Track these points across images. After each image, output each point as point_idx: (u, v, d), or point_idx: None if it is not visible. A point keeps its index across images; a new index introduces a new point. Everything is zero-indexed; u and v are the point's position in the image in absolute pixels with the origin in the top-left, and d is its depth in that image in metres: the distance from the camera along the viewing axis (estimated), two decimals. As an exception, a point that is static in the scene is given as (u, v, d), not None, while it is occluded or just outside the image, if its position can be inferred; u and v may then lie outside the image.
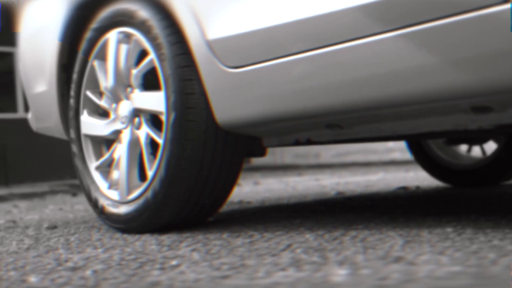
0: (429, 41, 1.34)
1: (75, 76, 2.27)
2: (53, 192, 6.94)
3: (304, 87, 1.61)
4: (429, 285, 1.04)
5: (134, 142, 2.04)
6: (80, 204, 4.13)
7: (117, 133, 2.11)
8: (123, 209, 2.03)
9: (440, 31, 1.31)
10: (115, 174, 2.11)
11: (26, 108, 10.98)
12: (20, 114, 11.09)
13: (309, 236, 1.70)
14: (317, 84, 1.58)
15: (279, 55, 1.65)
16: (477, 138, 3.16)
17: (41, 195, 6.55)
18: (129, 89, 2.08)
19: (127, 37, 2.07)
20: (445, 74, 1.34)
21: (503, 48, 1.25)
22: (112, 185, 2.12)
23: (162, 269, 1.35)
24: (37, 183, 10.53)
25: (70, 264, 1.51)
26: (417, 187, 3.37)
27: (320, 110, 1.60)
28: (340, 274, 1.17)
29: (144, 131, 2.02)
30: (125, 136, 2.06)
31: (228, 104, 1.78)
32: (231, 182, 2.01)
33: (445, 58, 1.33)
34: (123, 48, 2.07)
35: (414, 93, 1.41)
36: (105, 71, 2.15)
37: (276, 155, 12.99)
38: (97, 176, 2.18)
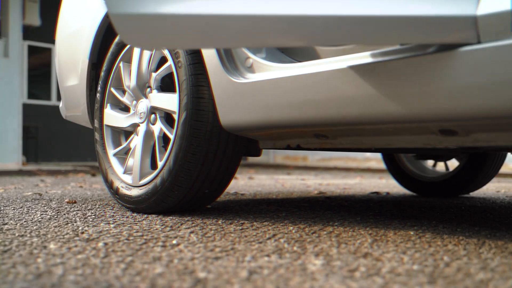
0: (400, 72, 1.34)
1: (102, 74, 2.27)
2: (75, 171, 6.92)
3: (297, 101, 1.61)
4: (391, 280, 1.04)
5: (148, 135, 2.04)
6: (97, 184, 4.12)
7: (134, 126, 2.11)
8: (134, 192, 2.03)
9: (411, 64, 1.31)
10: (130, 161, 2.10)
11: (59, 97, 10.97)
12: (53, 101, 11.07)
13: (292, 228, 1.70)
14: (308, 99, 1.58)
15: (278, 71, 1.64)
16: (443, 155, 3.17)
17: (65, 173, 6.54)
18: (148, 89, 2.08)
19: (150, 45, 2.07)
20: (415, 100, 1.33)
21: (470, 83, 1.25)
22: (127, 170, 2.12)
23: (163, 246, 1.35)
24: (62, 162, 10.52)
25: (85, 235, 1.51)
26: (388, 193, 3.37)
27: (310, 122, 1.60)
28: (315, 263, 1.17)
29: (158, 127, 2.02)
30: (141, 129, 2.06)
31: (231, 110, 1.78)
32: (229, 176, 2.01)
33: (416, 87, 1.33)
34: (146, 54, 2.07)
35: (387, 113, 1.41)
36: (129, 72, 2.15)
37: (269, 155, 13.00)
38: (114, 162, 2.18)
